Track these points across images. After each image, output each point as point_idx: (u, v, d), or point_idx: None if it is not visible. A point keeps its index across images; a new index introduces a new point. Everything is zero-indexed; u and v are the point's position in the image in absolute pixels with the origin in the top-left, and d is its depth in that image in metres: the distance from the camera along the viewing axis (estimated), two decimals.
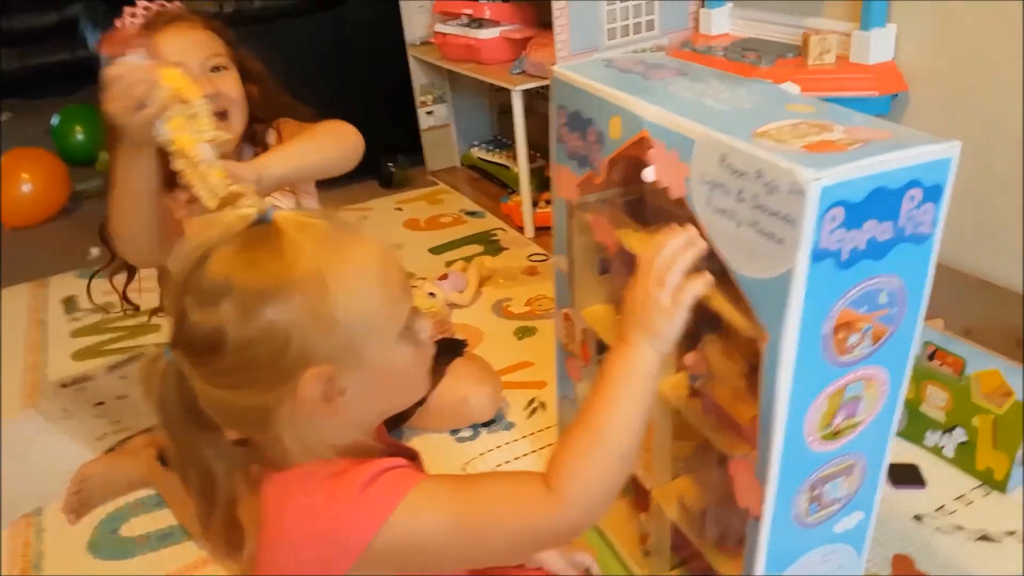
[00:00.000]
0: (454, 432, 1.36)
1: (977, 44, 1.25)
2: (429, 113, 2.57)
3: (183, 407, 0.63)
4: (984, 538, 1.06)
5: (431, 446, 1.34)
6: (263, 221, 0.61)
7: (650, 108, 0.77)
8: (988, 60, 1.24)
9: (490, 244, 2.08)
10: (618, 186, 0.97)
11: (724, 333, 0.89)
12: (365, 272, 0.62)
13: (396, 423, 1.34)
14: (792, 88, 0.80)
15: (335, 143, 1.14)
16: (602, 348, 1.03)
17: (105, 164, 2.94)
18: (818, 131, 0.66)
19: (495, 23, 2.11)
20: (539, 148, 2.26)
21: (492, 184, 2.46)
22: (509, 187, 2.35)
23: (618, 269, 1.01)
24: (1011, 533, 1.06)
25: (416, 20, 2.42)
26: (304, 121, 1.19)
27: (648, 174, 0.77)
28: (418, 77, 2.49)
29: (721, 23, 1.68)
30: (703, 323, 0.92)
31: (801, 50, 1.44)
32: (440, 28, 2.22)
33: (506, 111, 2.70)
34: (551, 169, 1.01)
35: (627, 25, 1.75)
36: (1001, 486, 1.13)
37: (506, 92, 2.62)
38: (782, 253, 0.63)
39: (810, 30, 1.42)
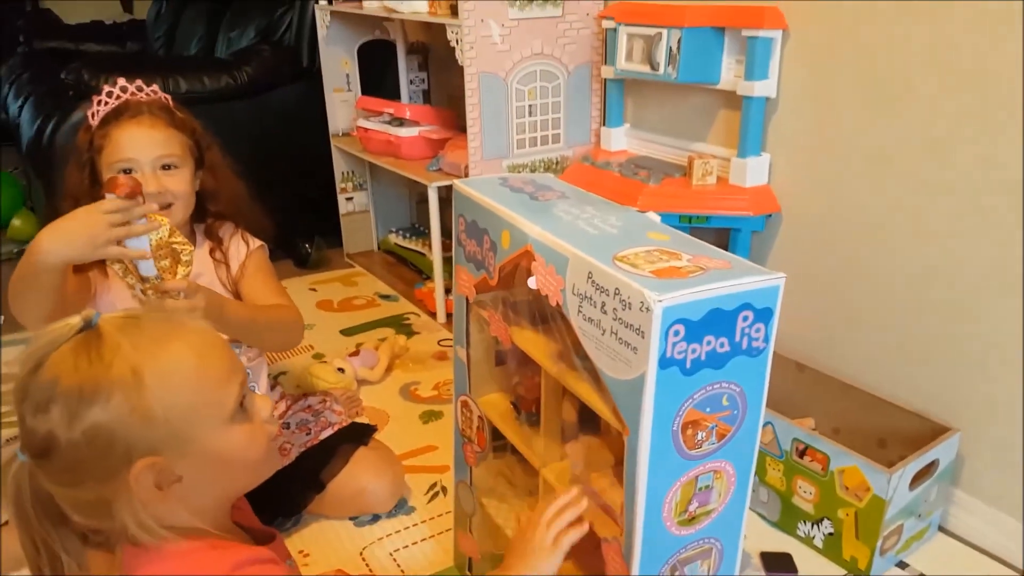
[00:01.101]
0: (353, 517, 1.40)
1: (836, 172, 1.44)
2: (349, 199, 2.66)
3: (36, 502, 0.66)
4: None
5: (328, 530, 1.37)
6: (89, 327, 0.66)
7: (533, 227, 0.88)
8: (849, 186, 1.43)
9: (402, 327, 2.15)
10: (509, 288, 1.07)
11: (601, 428, 0.99)
12: (180, 364, 0.67)
13: (293, 509, 1.37)
14: (654, 217, 0.93)
15: (282, 335, 1.32)
16: (497, 435, 1.12)
17: (16, 231, 2.88)
18: (668, 258, 0.78)
19: (415, 123, 2.26)
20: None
21: (408, 270, 2.55)
22: (424, 273, 2.45)
23: (511, 362, 1.10)
24: None
25: (339, 113, 2.55)
26: (251, 217, 1.30)
27: (532, 283, 0.88)
28: (339, 165, 2.59)
29: (619, 141, 1.86)
30: (583, 419, 1.02)
31: (686, 170, 1.61)
32: (362, 123, 2.35)
33: (424, 201, 2.83)
34: (454, 268, 1.11)
35: (535, 137, 1.90)
36: (864, 574, 1.24)
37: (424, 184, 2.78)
38: (636, 359, 0.73)
39: (694, 154, 1.60)
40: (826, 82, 1.42)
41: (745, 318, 0.75)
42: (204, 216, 1.32)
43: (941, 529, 1.35)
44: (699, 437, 0.78)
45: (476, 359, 1.13)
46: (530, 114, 1.88)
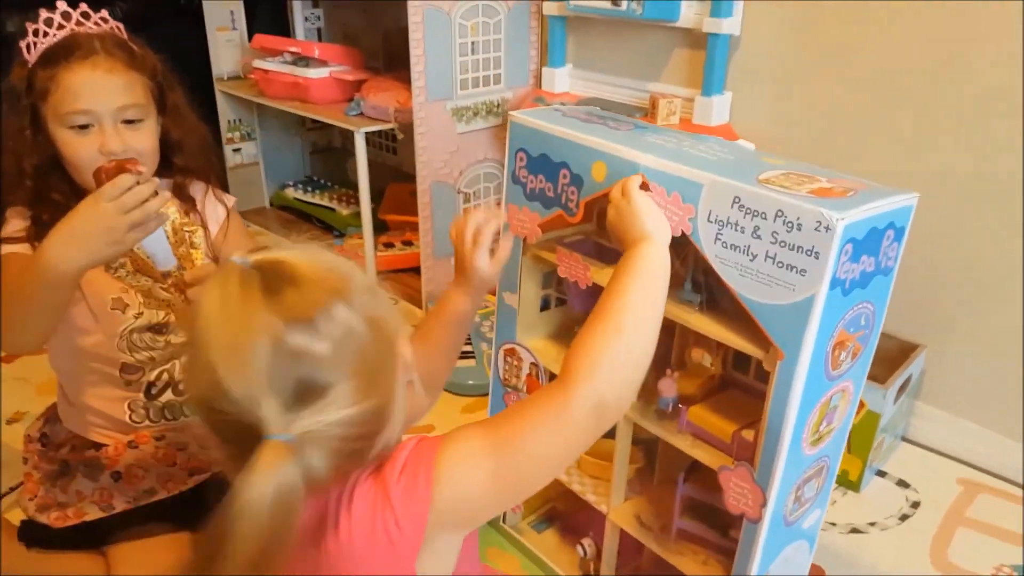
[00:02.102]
0: None
1: (799, 110, 1.51)
2: (236, 150, 2.42)
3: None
4: (854, 531, 1.26)
5: None
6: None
7: (644, 155, 0.84)
8: (811, 124, 1.50)
9: None
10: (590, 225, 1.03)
11: (682, 366, 0.99)
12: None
13: None
14: (748, 144, 0.92)
15: None
16: (549, 377, 1.08)
17: None
18: (810, 180, 0.78)
19: (323, 63, 2.08)
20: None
21: (311, 225, 2.38)
22: (336, 229, 2.29)
23: (575, 304, 1.06)
24: (872, 524, 1.28)
25: (224, 54, 2.29)
26: (217, 169, 1.15)
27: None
28: (225, 112, 2.34)
29: (563, 82, 1.83)
30: (661, 358, 1.01)
31: (648, 111, 1.62)
32: (260, 64, 2.13)
33: (320, 151, 2.65)
34: (504, 207, 1.04)
35: (477, 77, 1.82)
36: (855, 486, 1.35)
37: (319, 131, 2.59)
38: (804, 282, 0.73)
39: (657, 94, 1.61)
40: (787, 19, 1.47)
41: (888, 237, 0.77)
42: (168, 170, 1.12)
43: (903, 439, 1.49)
44: (842, 357, 0.79)
45: (523, 306, 1.08)
46: (472, 52, 1.79)
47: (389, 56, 2.28)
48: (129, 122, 0.99)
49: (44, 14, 0.97)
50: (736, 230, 0.77)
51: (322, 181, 2.49)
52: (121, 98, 0.97)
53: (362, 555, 0.60)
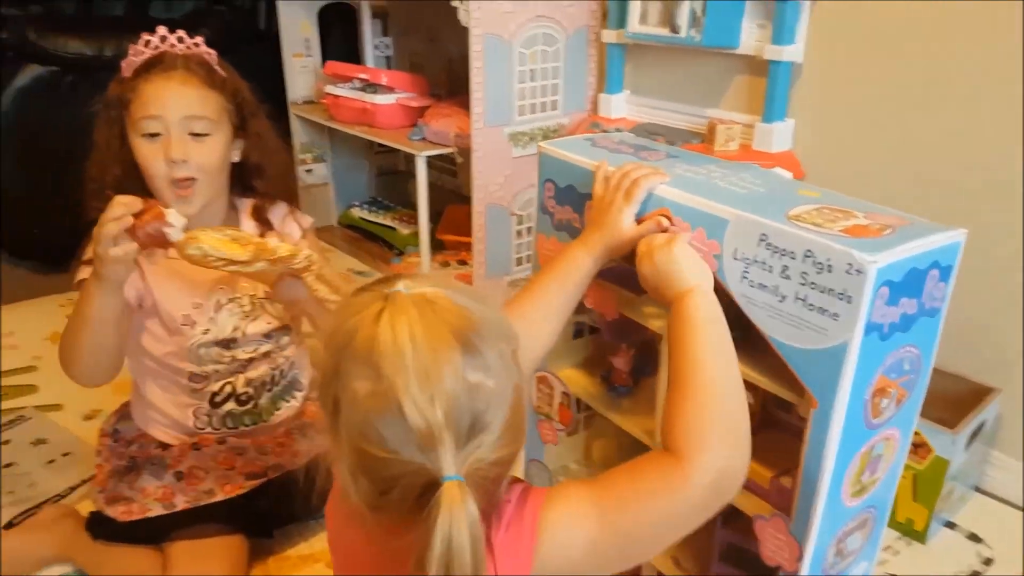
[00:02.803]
0: None
1: (863, 138, 1.44)
2: (308, 171, 2.50)
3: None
4: None
5: None
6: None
7: (668, 189, 0.82)
8: (873, 152, 1.44)
9: None
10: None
11: None
12: None
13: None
14: (784, 173, 0.88)
15: None
16: (579, 407, 1.06)
17: None
18: (844, 216, 0.74)
19: (390, 90, 2.13)
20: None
21: (373, 244, 2.42)
22: (397, 248, 2.33)
23: (604, 333, 1.04)
24: None
25: (299, 79, 2.38)
26: (294, 194, 1.22)
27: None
28: (299, 135, 2.42)
29: (619, 107, 1.81)
30: None
31: (705, 137, 1.58)
32: (332, 90, 2.19)
33: (385, 173, 2.71)
34: (534, 238, 1.03)
35: (534, 103, 1.82)
36: (921, 537, 1.26)
37: (385, 155, 2.65)
38: (836, 327, 0.68)
39: (715, 119, 1.57)
40: (851, 46, 1.42)
41: (932, 277, 0.72)
42: (245, 191, 1.17)
43: (976, 489, 1.39)
44: (883, 404, 0.74)
45: None
46: (531, 79, 1.79)
47: (452, 83, 2.31)
48: (196, 135, 1.04)
49: (144, 36, 1.05)
50: (764, 269, 0.73)
51: (386, 202, 2.54)
52: (189, 108, 1.03)
53: None
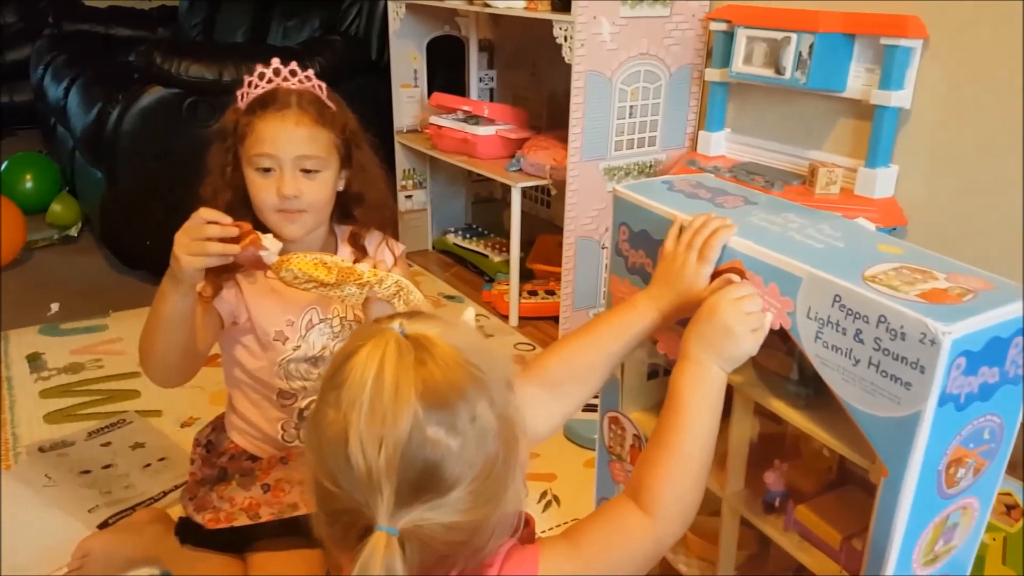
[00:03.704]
0: None
1: (969, 187, 1.38)
2: (408, 197, 2.59)
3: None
4: None
5: None
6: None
7: (741, 241, 0.81)
8: (978, 202, 1.36)
9: None
10: None
11: (797, 455, 0.92)
12: None
13: None
14: (867, 224, 0.86)
15: None
16: None
17: (56, 216, 2.80)
18: (923, 278, 0.71)
19: (491, 121, 2.19)
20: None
21: (466, 270, 2.48)
22: (487, 275, 2.38)
23: None
24: None
25: (405, 108, 2.48)
26: (393, 222, 1.24)
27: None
28: (401, 162, 2.52)
29: (718, 146, 1.79)
30: (774, 445, 0.95)
31: (807, 179, 1.54)
32: (435, 120, 2.28)
33: (481, 201, 2.78)
34: (608, 280, 1.04)
35: (632, 139, 1.83)
36: None
37: (481, 183, 2.72)
38: (910, 396, 0.66)
39: (816, 162, 1.53)
40: (962, 94, 1.36)
41: (1016, 344, 0.69)
42: (346, 218, 1.23)
43: None
44: (959, 475, 0.71)
45: (628, 373, 1.06)
46: (630, 115, 1.80)
47: (552, 116, 2.35)
48: (307, 171, 1.09)
49: (259, 68, 1.11)
50: (837, 331, 0.72)
51: (480, 229, 2.60)
52: (302, 148, 1.08)
53: None
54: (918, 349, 0.65)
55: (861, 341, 0.70)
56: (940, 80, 1.39)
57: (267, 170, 1.09)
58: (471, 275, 2.44)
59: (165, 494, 1.40)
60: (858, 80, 1.49)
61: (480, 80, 2.47)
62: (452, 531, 0.54)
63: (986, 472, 0.74)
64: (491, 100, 2.52)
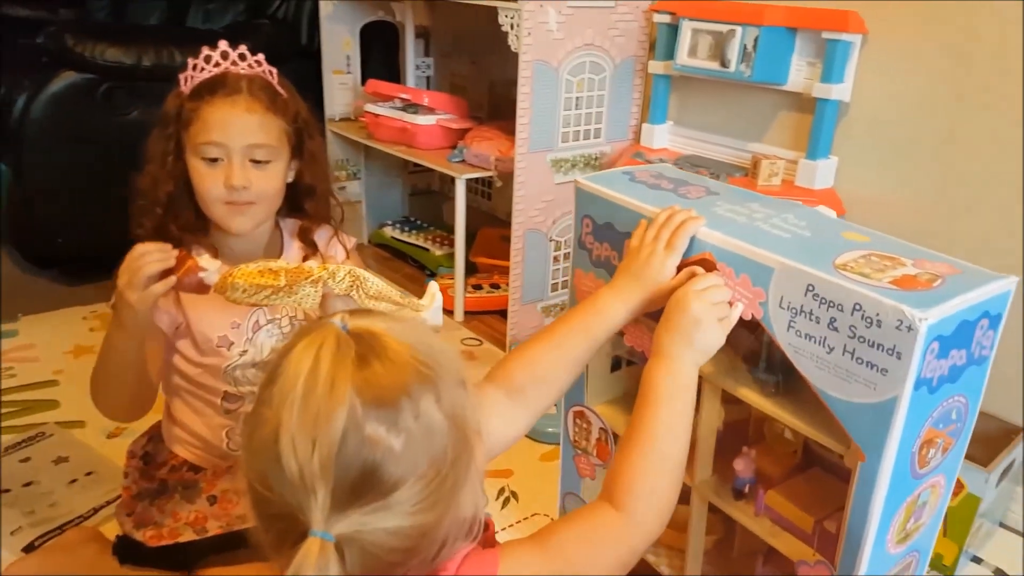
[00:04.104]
0: None
1: (906, 178, 1.43)
2: (342, 188, 2.52)
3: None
4: None
5: None
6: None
7: (711, 233, 0.80)
8: (917, 193, 1.42)
9: None
10: None
11: (761, 440, 0.93)
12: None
13: None
14: (828, 212, 0.87)
15: None
16: (617, 442, 1.05)
17: None
18: (892, 265, 0.73)
19: (431, 111, 2.15)
20: (454, 232, 2.28)
21: (405, 264, 2.43)
22: (428, 269, 2.34)
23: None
24: None
25: (337, 96, 2.41)
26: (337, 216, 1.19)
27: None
28: (334, 152, 2.45)
29: (661, 138, 1.81)
30: (738, 432, 0.96)
31: (749, 171, 1.57)
32: (372, 108, 2.22)
33: (418, 193, 2.73)
34: (571, 273, 1.02)
35: (578, 131, 1.83)
36: (950, 572, 1.24)
37: (419, 175, 2.67)
38: (886, 382, 0.67)
39: (759, 154, 1.56)
40: (899, 87, 1.41)
41: (982, 327, 0.71)
42: (294, 211, 1.17)
43: (1001, 525, 1.37)
44: (930, 455, 0.73)
45: (592, 366, 1.05)
46: (576, 107, 1.80)
47: (493, 106, 2.33)
48: (257, 162, 1.03)
49: (205, 51, 1.03)
50: (811, 319, 0.72)
51: (419, 222, 2.55)
52: (253, 137, 1.02)
53: None
54: (894, 336, 0.66)
55: (835, 329, 0.70)
56: (878, 74, 1.43)
57: (214, 159, 1.02)
58: (411, 269, 2.40)
59: (96, 511, 1.31)
60: (799, 74, 1.52)
61: (417, 68, 2.42)
62: (397, 537, 0.51)
63: (952, 450, 0.76)
64: (428, 88, 2.47)
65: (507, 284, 2.10)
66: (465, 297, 2.07)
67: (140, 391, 1.03)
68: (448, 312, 2.10)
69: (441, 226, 2.52)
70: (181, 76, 1.05)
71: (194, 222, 1.08)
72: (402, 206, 2.69)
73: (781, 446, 0.92)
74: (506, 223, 2.45)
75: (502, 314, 2.02)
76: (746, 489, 0.90)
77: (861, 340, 0.68)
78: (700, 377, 0.89)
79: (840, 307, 0.70)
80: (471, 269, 2.19)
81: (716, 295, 0.77)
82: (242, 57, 1.04)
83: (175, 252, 0.92)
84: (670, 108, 1.80)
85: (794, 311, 0.74)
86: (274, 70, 1.08)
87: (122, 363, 0.98)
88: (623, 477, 0.68)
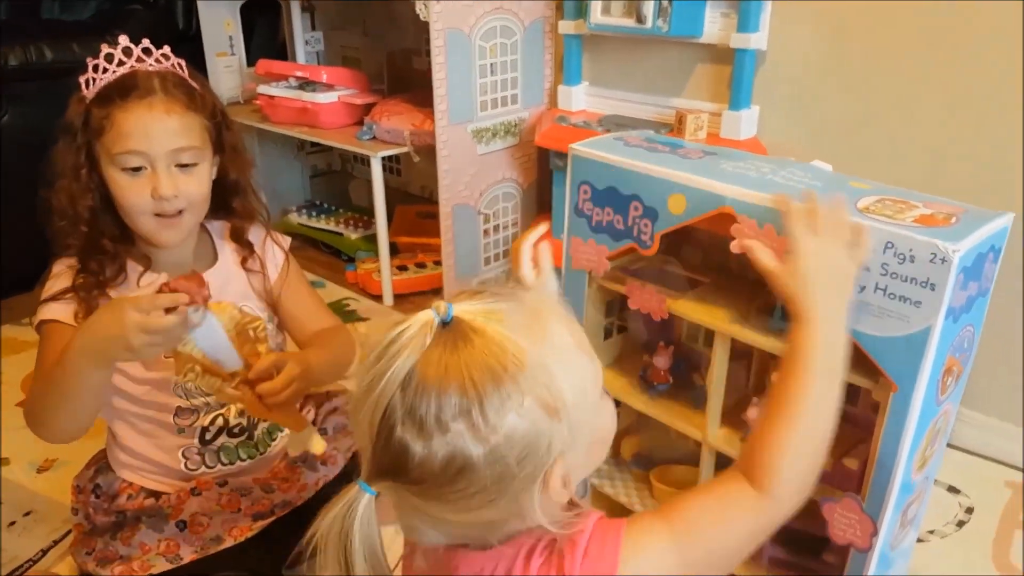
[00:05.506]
0: None
1: (825, 123, 1.51)
2: None
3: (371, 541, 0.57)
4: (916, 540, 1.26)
5: (388, 540, 1.23)
6: (446, 323, 0.56)
7: (728, 187, 0.83)
8: (837, 139, 1.51)
9: (346, 315, 1.97)
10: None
11: (764, 389, 0.97)
12: (569, 346, 0.58)
13: None
14: (824, 166, 0.92)
15: (345, 368, 1.14)
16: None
17: None
18: (906, 207, 0.78)
19: (330, 87, 2.05)
20: (367, 212, 2.21)
21: (319, 252, 2.33)
22: (345, 254, 2.25)
23: (644, 334, 1.05)
24: (931, 532, 1.28)
25: (223, 80, 2.25)
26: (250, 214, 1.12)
27: (735, 247, 0.83)
28: None
29: (579, 100, 1.82)
30: (743, 382, 1.00)
31: (674, 127, 1.61)
32: (265, 90, 2.09)
33: (320, 174, 2.61)
34: (567, 240, 1.02)
35: (495, 98, 1.80)
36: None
37: (318, 155, 2.56)
38: (919, 314, 0.72)
39: (683, 109, 1.60)
40: (814, 34, 1.48)
41: (990, 259, 0.77)
42: (221, 211, 1.09)
43: (949, 445, 1.48)
44: (949, 382, 0.79)
45: (588, 334, 1.06)
46: (492, 73, 1.77)
47: (394, 78, 2.25)
48: (183, 166, 0.96)
49: (105, 49, 0.94)
50: None
51: (325, 205, 2.44)
52: (176, 140, 0.95)
53: None
54: (928, 269, 0.71)
55: (867, 269, 0.74)
56: (791, 21, 1.50)
57: (136, 169, 0.94)
58: (327, 257, 2.29)
59: (44, 553, 1.20)
60: (714, 25, 1.56)
61: (306, 43, 2.29)
62: (436, 518, 0.57)
63: (961, 378, 0.83)
64: (319, 64, 2.35)
65: (432, 262, 2.06)
66: (392, 279, 2.01)
67: (96, 410, 0.96)
68: (377, 297, 2.04)
69: (350, 207, 2.43)
70: (81, 79, 0.96)
71: (120, 233, 1.00)
72: (303, 190, 2.57)
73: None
74: (420, 198, 2.41)
75: (433, 293, 1.98)
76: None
77: (894, 276, 0.73)
78: (711, 330, 0.93)
79: (873, 247, 0.74)
80: (392, 250, 2.12)
81: (843, 227, 0.71)
82: (147, 52, 0.96)
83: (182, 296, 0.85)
84: (584, 68, 1.81)
85: None
86: (182, 62, 1.00)
87: (84, 387, 0.90)
88: (764, 453, 0.64)
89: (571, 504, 0.62)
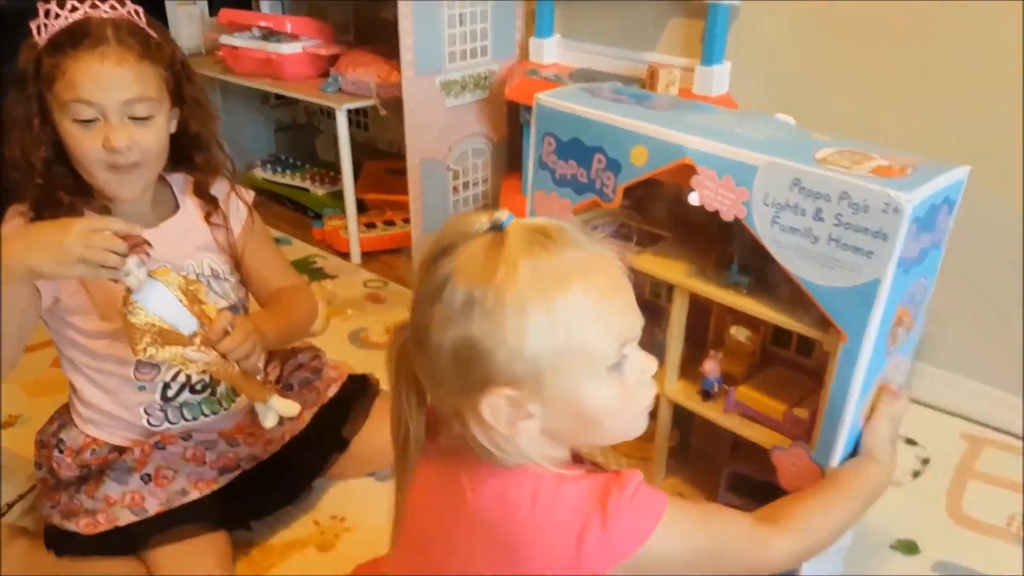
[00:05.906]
0: (371, 474, 1.27)
1: (797, 79, 1.51)
2: None
3: (406, 378, 0.66)
4: None
5: (355, 490, 1.25)
6: (498, 228, 0.61)
7: (690, 138, 0.82)
8: (806, 94, 1.50)
9: (313, 273, 1.95)
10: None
11: (724, 346, 0.98)
12: (567, 311, 0.59)
13: (315, 474, 1.22)
14: (788, 119, 0.91)
15: (306, 330, 1.22)
16: None
17: None
18: (863, 158, 0.77)
19: (294, 38, 2.00)
20: (334, 168, 2.17)
21: (285, 208, 2.29)
22: (311, 211, 2.22)
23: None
24: None
25: (185, 30, 2.18)
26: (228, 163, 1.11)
27: (694, 198, 0.83)
28: None
29: (551, 52, 1.79)
30: (703, 336, 1.01)
31: (646, 81, 1.59)
32: (228, 40, 2.03)
33: (284, 128, 2.56)
34: (530, 194, 1.01)
35: (464, 50, 1.77)
36: None
37: (283, 108, 2.50)
38: (869, 264, 0.72)
39: (655, 63, 1.58)
40: None
41: (943, 212, 0.78)
42: (182, 165, 1.07)
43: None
44: (899, 333, 0.80)
45: None
46: (460, 23, 1.73)
47: (360, 29, 2.20)
48: (138, 119, 0.94)
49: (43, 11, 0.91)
50: (796, 213, 0.76)
51: (290, 160, 2.40)
52: (129, 91, 0.92)
53: (537, 536, 0.61)
54: (881, 218, 0.71)
55: (821, 219, 0.74)
56: None
57: (89, 120, 0.92)
58: (292, 213, 2.26)
59: (10, 506, 1.19)
60: None
61: None
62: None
63: (913, 330, 0.84)
64: (283, 13, 2.28)
65: (401, 220, 2.04)
66: (359, 237, 1.99)
67: (20, 341, 0.95)
68: (344, 255, 2.02)
69: (316, 163, 2.39)
70: (33, 24, 0.93)
71: (75, 184, 0.98)
72: (268, 144, 2.52)
73: (740, 348, 0.98)
74: (388, 154, 2.37)
75: (400, 251, 1.97)
76: (715, 389, 0.96)
77: (847, 227, 0.73)
78: (671, 284, 0.93)
79: (827, 197, 0.74)
80: (359, 207, 2.10)
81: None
82: None
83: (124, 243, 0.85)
84: (556, 20, 1.78)
85: (779, 206, 0.77)
86: (140, 9, 0.97)
87: (17, 312, 0.90)
88: (791, 513, 0.74)
89: (576, 461, 0.69)
